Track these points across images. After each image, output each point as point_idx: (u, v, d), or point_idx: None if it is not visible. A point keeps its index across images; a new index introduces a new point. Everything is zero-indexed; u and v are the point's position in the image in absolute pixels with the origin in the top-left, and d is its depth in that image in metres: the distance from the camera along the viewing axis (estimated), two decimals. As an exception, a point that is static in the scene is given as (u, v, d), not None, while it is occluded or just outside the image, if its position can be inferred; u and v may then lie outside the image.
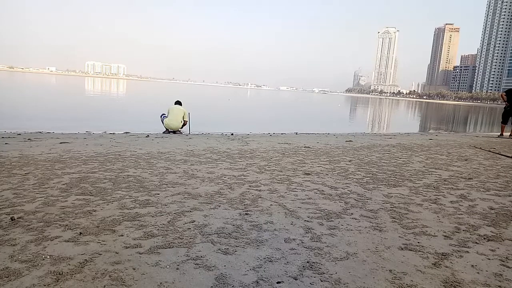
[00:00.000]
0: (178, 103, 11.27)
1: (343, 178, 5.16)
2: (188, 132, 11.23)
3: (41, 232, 2.77)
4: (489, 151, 8.98)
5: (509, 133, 13.38)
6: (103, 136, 8.95)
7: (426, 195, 4.42)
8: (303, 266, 2.44)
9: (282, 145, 8.43)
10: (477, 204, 4.11)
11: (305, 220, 3.32)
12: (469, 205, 4.06)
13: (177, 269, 2.33)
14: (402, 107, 66.33)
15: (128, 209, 3.39)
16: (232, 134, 10.86)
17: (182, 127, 11.04)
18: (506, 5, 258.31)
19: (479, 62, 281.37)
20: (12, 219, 2.97)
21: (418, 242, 2.95)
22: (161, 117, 11.12)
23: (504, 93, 13.70)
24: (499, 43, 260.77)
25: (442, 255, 2.73)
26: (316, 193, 4.25)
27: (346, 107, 51.18)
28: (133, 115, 19.44)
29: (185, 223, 3.11)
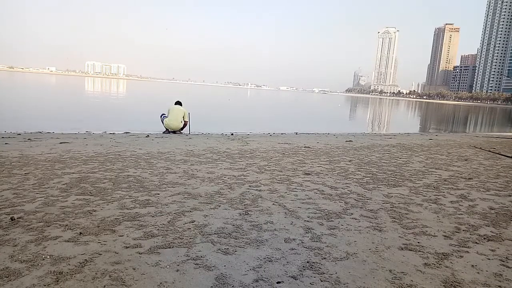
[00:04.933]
0: (178, 103, 11.26)
1: (343, 178, 5.16)
2: (188, 132, 11.22)
3: (41, 232, 2.77)
4: (489, 151, 8.98)
5: None
6: (103, 136, 8.94)
7: (426, 195, 4.42)
8: (303, 266, 2.44)
9: (282, 145, 8.43)
10: (477, 204, 4.11)
11: (305, 220, 3.32)
12: (469, 205, 4.06)
13: (177, 269, 2.33)
14: (402, 107, 66.31)
15: (128, 209, 3.39)
16: (232, 134, 10.87)
17: (183, 128, 11.03)
18: (506, 5, 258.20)
19: (479, 62, 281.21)
20: (12, 219, 2.97)
21: (418, 242, 2.95)
22: (161, 117, 11.11)
23: None
24: (499, 43, 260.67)
25: (442, 255, 2.73)
26: (316, 193, 4.25)
27: (346, 107, 51.15)
28: (133, 115, 19.42)
29: (185, 223, 3.11)
